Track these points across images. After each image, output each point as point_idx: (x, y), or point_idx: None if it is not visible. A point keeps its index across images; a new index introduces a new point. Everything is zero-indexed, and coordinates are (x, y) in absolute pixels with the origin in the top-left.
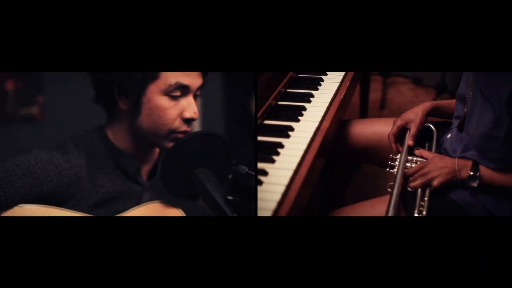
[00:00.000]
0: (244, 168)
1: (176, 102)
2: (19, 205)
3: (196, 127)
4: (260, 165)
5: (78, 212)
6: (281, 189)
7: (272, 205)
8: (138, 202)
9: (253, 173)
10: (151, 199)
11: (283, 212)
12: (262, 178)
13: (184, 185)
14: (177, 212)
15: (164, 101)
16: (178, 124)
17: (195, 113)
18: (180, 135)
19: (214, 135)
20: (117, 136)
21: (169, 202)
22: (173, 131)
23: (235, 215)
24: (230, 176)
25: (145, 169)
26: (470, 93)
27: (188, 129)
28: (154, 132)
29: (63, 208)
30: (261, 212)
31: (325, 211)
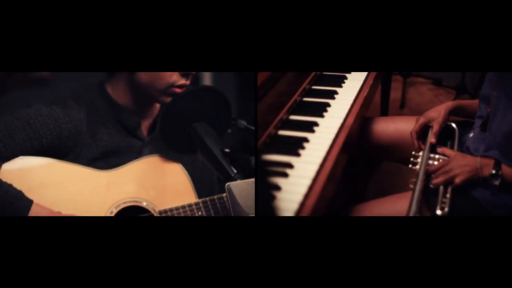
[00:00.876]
0: (243, 123)
1: None
2: (19, 157)
3: None
4: (286, 158)
5: (78, 165)
6: (308, 182)
7: (298, 198)
8: (138, 156)
9: (253, 128)
10: (151, 153)
11: (308, 205)
12: (288, 171)
13: (182, 140)
14: (176, 166)
15: None
16: (176, 78)
17: None
18: (178, 89)
19: (212, 90)
20: (117, 91)
21: (168, 156)
22: (171, 85)
23: (233, 168)
24: (229, 131)
25: (146, 124)
26: (495, 94)
27: (187, 83)
28: (153, 86)
29: (63, 161)
30: (287, 205)
31: (347, 207)
